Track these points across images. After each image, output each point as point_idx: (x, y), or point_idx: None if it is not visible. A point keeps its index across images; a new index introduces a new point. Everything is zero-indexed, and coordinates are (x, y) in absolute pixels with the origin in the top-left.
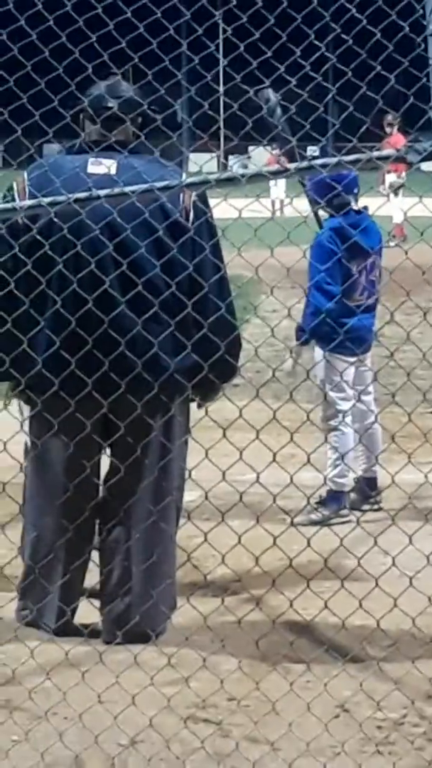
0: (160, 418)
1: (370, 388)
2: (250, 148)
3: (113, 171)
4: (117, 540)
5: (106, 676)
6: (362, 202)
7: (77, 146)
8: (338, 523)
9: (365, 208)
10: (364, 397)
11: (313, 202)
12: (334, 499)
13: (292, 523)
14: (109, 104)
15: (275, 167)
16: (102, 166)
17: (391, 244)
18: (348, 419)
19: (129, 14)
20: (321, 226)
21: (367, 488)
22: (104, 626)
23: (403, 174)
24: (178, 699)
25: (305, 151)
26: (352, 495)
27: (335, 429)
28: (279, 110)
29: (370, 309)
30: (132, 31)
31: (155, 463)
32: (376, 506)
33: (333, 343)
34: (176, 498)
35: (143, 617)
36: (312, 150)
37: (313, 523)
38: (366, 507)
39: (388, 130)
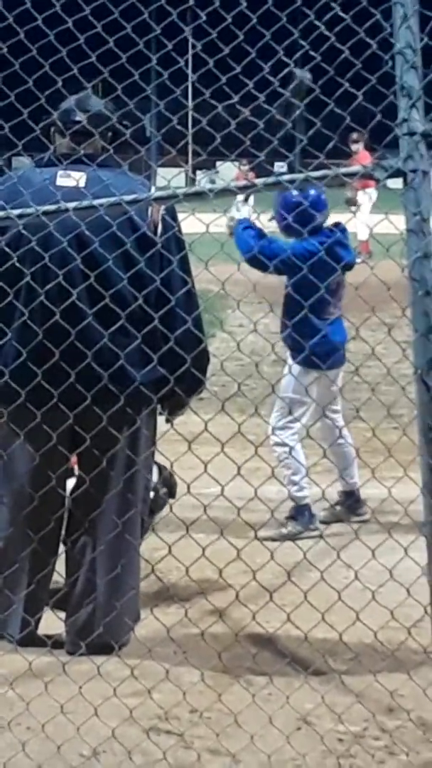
0: (127, 431)
1: (338, 405)
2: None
3: (82, 184)
4: (82, 551)
5: (69, 686)
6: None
7: (46, 159)
8: (305, 537)
9: (337, 224)
10: (330, 414)
11: (286, 229)
12: (299, 513)
13: (256, 537)
14: (78, 118)
15: (243, 182)
16: (71, 178)
17: (357, 260)
18: (294, 436)
19: (99, 29)
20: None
21: (349, 501)
22: (68, 637)
23: (373, 192)
24: (140, 710)
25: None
26: (338, 508)
27: (281, 445)
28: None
29: (336, 324)
30: (102, 45)
31: (120, 475)
32: (365, 517)
33: (300, 356)
34: (141, 510)
35: (107, 628)
36: (279, 166)
37: (284, 537)
38: (355, 518)
39: (353, 147)
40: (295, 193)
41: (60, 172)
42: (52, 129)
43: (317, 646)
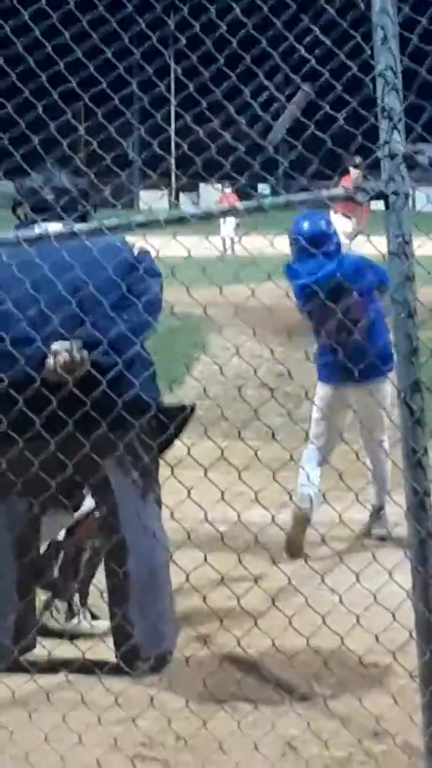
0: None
1: (380, 426)
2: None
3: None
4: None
5: (53, 715)
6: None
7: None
8: (287, 562)
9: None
10: (371, 435)
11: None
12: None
13: (239, 561)
14: (48, 197)
15: (225, 206)
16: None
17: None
18: (316, 441)
19: (80, 55)
20: None
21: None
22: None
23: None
24: (125, 738)
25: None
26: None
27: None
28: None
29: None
30: (83, 69)
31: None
32: (373, 537)
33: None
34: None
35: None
36: (262, 188)
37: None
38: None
39: (353, 172)
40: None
41: (36, 225)
42: (18, 208)
43: (302, 670)
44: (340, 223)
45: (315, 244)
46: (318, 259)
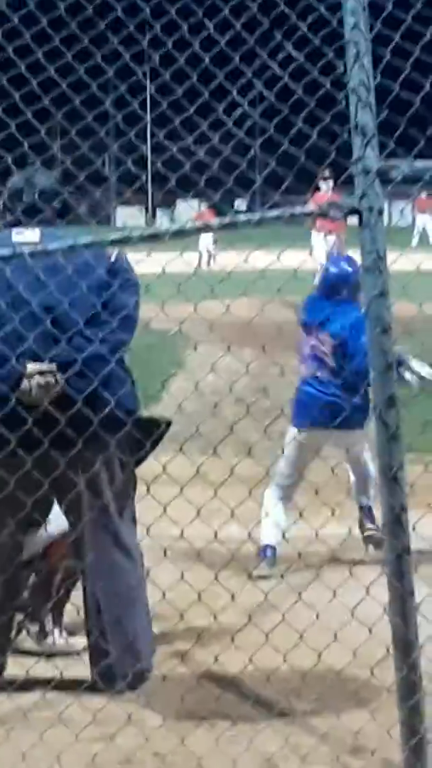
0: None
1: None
2: (178, 201)
3: (37, 239)
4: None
5: (31, 733)
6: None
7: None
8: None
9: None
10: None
11: None
12: (263, 551)
13: (216, 578)
14: (26, 198)
15: (200, 222)
16: (25, 235)
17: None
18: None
19: (53, 73)
20: None
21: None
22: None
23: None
24: (104, 756)
25: (233, 204)
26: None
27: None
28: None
29: (324, 382)
30: (57, 87)
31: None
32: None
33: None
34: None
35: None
36: (239, 203)
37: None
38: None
39: (322, 186)
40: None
41: (15, 230)
42: (2, 205)
43: (281, 686)
44: (320, 242)
45: (336, 289)
46: (335, 303)
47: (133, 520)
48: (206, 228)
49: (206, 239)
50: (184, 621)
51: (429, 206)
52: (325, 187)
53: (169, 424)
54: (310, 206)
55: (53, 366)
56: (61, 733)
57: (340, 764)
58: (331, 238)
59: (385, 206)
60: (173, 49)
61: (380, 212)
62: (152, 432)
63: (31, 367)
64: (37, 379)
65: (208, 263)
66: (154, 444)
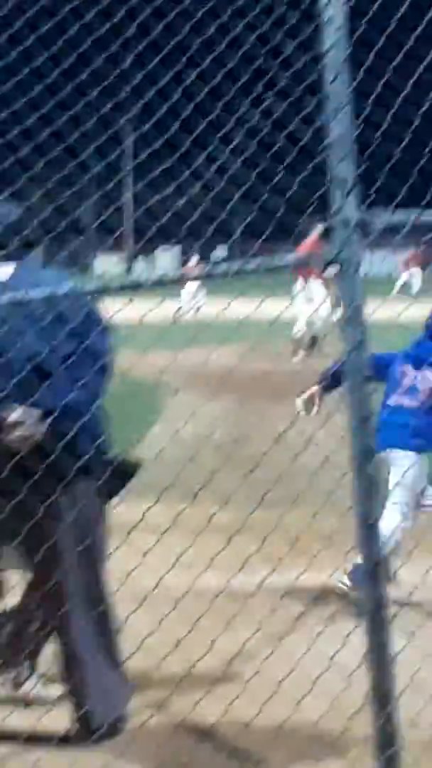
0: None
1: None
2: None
3: (6, 277)
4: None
5: None
6: (273, 304)
7: None
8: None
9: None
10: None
11: None
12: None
13: (193, 625)
14: None
15: (178, 273)
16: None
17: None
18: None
19: (33, 119)
20: None
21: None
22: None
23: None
24: None
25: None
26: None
27: None
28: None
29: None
30: (36, 133)
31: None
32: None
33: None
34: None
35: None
36: (221, 249)
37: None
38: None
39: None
40: None
41: None
42: None
43: (257, 737)
44: (318, 291)
45: None
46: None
47: (105, 568)
48: (183, 279)
49: (191, 290)
50: (160, 670)
51: (414, 262)
52: (314, 234)
53: (139, 465)
54: (290, 256)
55: (34, 413)
56: None
57: None
58: (316, 283)
59: (367, 255)
60: (155, 97)
61: (358, 264)
62: (124, 473)
63: (14, 416)
64: (20, 429)
65: (195, 309)
66: (123, 484)
